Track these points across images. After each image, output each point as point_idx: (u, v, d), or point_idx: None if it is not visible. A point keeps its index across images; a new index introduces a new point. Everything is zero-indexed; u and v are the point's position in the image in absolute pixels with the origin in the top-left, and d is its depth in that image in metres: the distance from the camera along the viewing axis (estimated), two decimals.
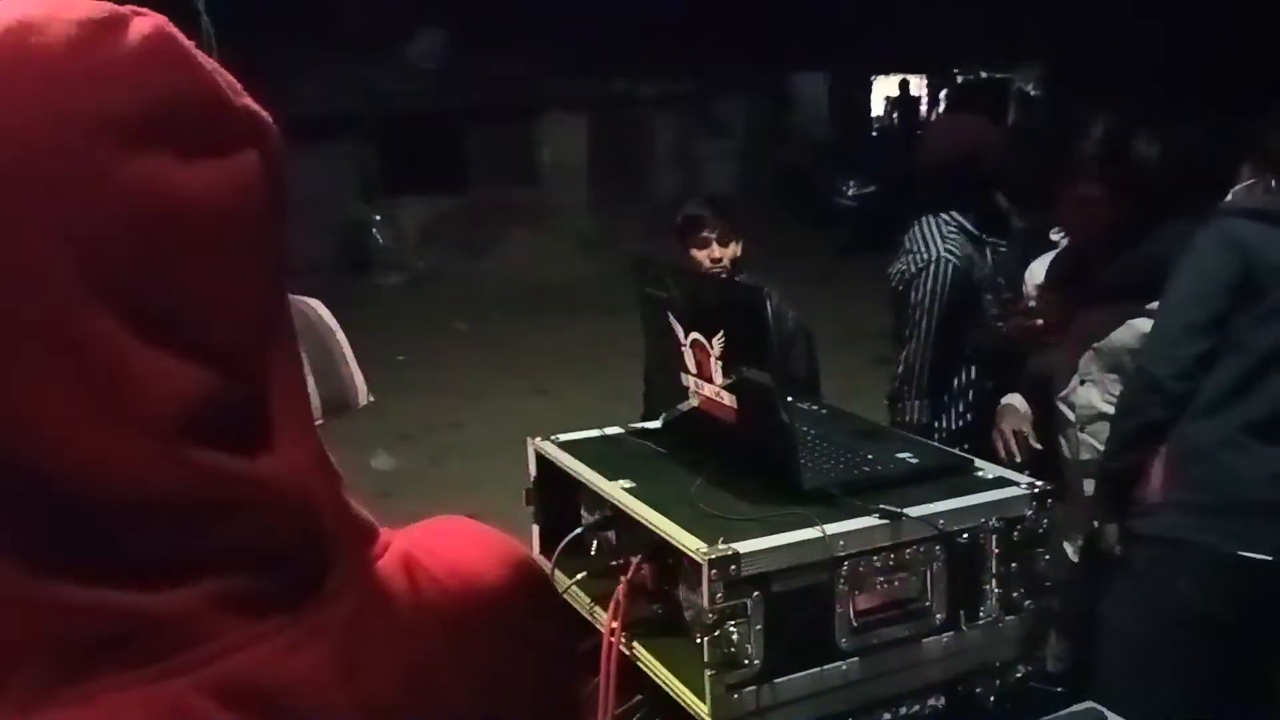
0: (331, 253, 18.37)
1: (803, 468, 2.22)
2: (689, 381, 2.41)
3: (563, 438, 2.63)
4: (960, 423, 5.09)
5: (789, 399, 2.29)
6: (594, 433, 2.69)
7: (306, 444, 1.06)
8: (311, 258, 16.02)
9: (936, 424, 5.07)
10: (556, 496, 2.49)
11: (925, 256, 5.00)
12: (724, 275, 5.05)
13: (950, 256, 5.00)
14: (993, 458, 3.69)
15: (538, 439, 2.62)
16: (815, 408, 2.83)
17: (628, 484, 2.29)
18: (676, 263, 4.93)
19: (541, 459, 2.56)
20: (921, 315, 4.98)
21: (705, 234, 5.23)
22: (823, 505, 2.10)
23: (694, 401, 2.41)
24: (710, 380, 2.32)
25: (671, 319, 2.38)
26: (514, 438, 2.91)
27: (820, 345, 5.41)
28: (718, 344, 2.26)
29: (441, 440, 10.63)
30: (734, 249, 5.19)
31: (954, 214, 5.12)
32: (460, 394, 12.02)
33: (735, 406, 2.26)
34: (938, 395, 5.08)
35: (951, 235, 5.07)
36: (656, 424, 2.63)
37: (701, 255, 5.20)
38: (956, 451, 2.55)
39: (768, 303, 2.16)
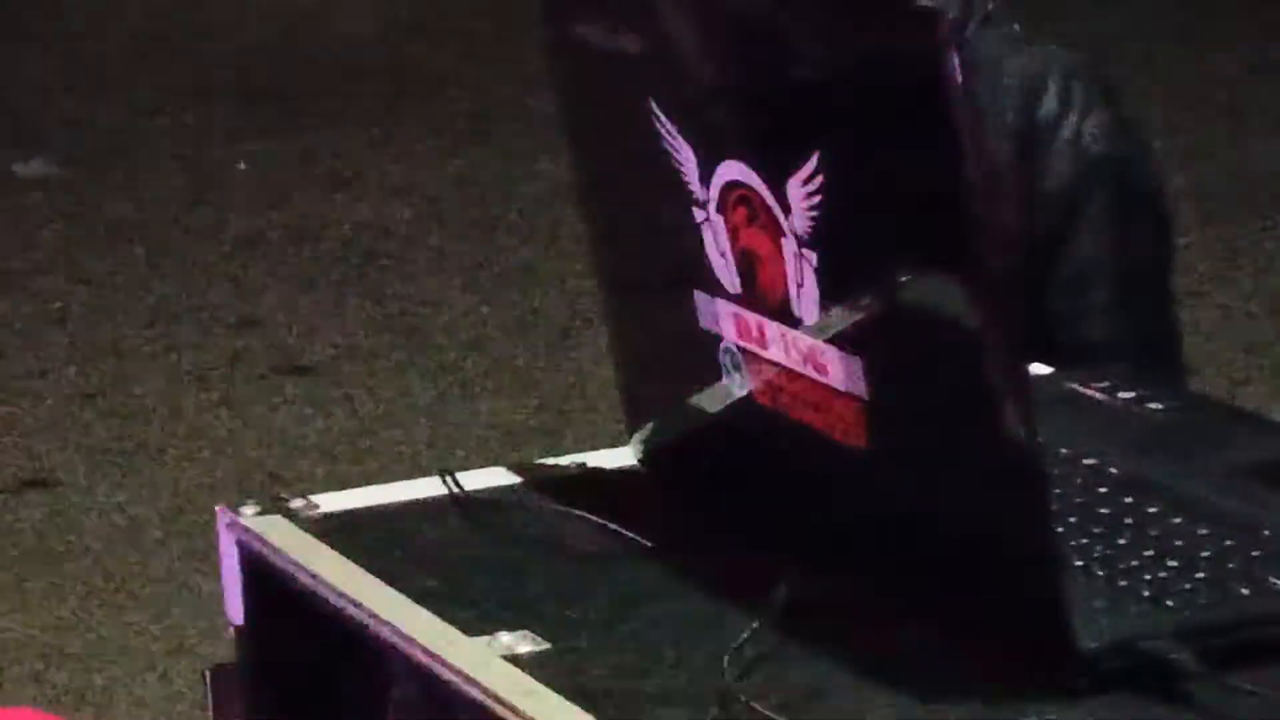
0: None
1: (1079, 580, 1.19)
2: (719, 318, 1.34)
3: (339, 502, 1.37)
4: None
5: (1064, 383, 1.40)
6: (422, 487, 1.40)
7: None
8: None
9: None
10: (307, 680, 1.28)
11: None
12: None
13: None
14: None
15: (246, 507, 1.33)
16: (1137, 398, 1.48)
17: (529, 646, 1.22)
18: None
19: (260, 567, 1.31)
20: None
21: None
22: (1143, 698, 1.13)
23: (737, 384, 1.33)
24: (783, 316, 1.28)
25: (660, 122, 1.25)
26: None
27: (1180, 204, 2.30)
28: (802, 201, 1.21)
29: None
30: None
31: None
32: None
33: (864, 397, 1.25)
34: None
35: None
36: (623, 454, 1.46)
37: None
38: None
39: (971, 60, 1.25)
